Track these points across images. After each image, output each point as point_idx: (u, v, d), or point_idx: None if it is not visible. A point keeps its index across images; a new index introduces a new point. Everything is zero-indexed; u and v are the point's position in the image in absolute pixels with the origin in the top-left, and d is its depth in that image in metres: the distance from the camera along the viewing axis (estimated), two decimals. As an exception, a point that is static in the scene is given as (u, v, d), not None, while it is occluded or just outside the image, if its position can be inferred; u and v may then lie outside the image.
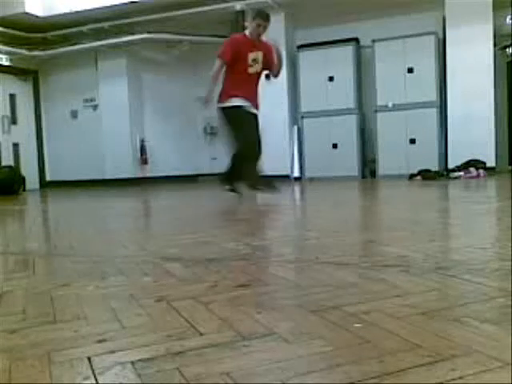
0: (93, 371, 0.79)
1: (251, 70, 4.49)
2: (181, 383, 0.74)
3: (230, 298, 1.19)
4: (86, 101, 9.13)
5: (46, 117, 9.50)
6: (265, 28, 4.46)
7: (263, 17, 4.44)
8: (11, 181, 7.32)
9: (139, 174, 8.91)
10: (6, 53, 8.40)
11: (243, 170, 4.49)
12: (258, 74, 4.59)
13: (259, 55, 4.51)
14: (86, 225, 3.25)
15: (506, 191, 4.38)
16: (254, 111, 4.57)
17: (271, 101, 7.85)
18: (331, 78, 7.67)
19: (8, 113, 8.90)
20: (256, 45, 4.50)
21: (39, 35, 8.57)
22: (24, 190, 7.72)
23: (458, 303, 1.07)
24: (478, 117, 6.85)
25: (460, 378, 0.70)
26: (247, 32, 4.59)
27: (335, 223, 2.74)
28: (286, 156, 7.87)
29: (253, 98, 4.55)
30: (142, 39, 8.19)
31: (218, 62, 4.44)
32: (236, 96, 4.43)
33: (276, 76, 4.72)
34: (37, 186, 9.32)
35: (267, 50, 4.56)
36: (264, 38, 4.62)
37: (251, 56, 4.46)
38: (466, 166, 6.67)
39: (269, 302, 1.14)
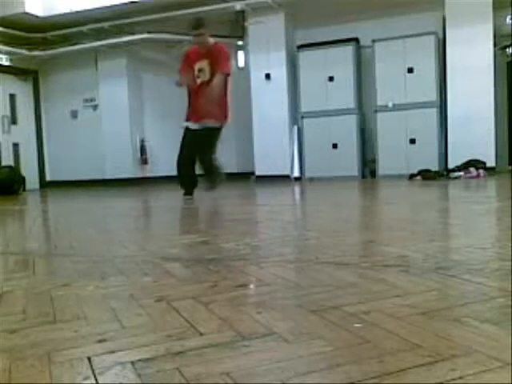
0: (93, 371, 0.79)
1: (199, 81, 4.33)
2: (181, 383, 0.74)
3: (229, 297, 1.19)
4: (86, 101, 9.13)
5: (46, 117, 9.50)
6: (198, 35, 4.28)
7: (192, 25, 4.32)
8: (11, 181, 7.32)
9: (139, 174, 8.90)
10: (6, 53, 8.40)
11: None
12: (207, 83, 4.33)
13: (204, 64, 4.31)
14: (85, 225, 3.25)
15: (506, 191, 4.38)
16: (194, 127, 4.43)
17: (271, 101, 7.87)
18: (331, 78, 7.67)
19: (8, 113, 8.90)
20: (202, 53, 4.33)
21: (39, 35, 8.57)
22: (24, 189, 7.71)
23: (458, 303, 1.07)
24: (477, 117, 6.85)
25: (460, 377, 0.70)
26: None
27: (335, 223, 2.74)
28: (286, 156, 7.87)
29: (199, 110, 4.37)
30: (141, 39, 8.19)
31: (180, 79, 4.42)
32: (186, 118, 4.46)
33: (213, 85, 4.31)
34: (37, 186, 9.32)
35: (213, 55, 4.32)
36: (213, 41, 4.44)
37: (197, 66, 4.32)
38: (466, 166, 6.67)
39: (269, 302, 1.14)
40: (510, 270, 1.34)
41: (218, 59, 4.30)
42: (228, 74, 4.36)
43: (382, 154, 7.50)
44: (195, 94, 4.37)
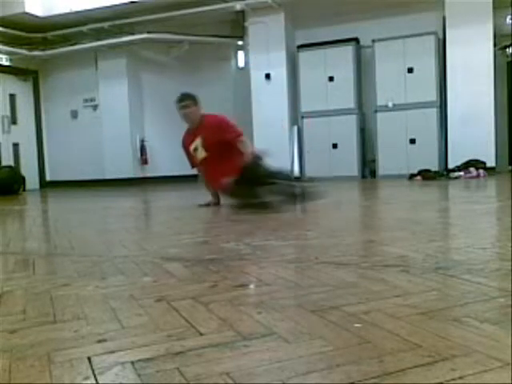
0: (93, 371, 0.79)
1: (200, 157, 3.93)
2: (181, 383, 0.74)
3: (229, 298, 1.19)
4: (86, 101, 9.12)
5: (46, 117, 9.50)
6: (184, 107, 3.85)
7: (177, 101, 3.91)
8: (11, 181, 7.32)
9: (139, 174, 8.90)
10: (6, 53, 8.40)
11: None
12: (213, 153, 3.86)
13: (197, 143, 3.90)
14: (86, 225, 3.25)
15: (506, 191, 4.38)
16: None
17: (271, 101, 7.87)
18: (331, 78, 7.67)
19: (8, 113, 8.89)
20: (193, 133, 3.92)
21: (39, 35, 8.57)
22: (24, 189, 7.71)
23: (458, 303, 1.07)
24: (478, 117, 6.85)
25: (460, 377, 0.70)
26: None
27: (335, 223, 2.74)
28: (286, 156, 7.87)
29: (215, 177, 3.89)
30: (142, 39, 8.19)
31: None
32: None
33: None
34: (37, 186, 9.32)
35: (207, 130, 3.87)
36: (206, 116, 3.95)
37: (191, 148, 3.94)
38: (466, 166, 6.67)
39: (269, 302, 1.14)
40: (510, 269, 1.34)
41: (218, 132, 3.86)
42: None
43: (381, 153, 7.50)
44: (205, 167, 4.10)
